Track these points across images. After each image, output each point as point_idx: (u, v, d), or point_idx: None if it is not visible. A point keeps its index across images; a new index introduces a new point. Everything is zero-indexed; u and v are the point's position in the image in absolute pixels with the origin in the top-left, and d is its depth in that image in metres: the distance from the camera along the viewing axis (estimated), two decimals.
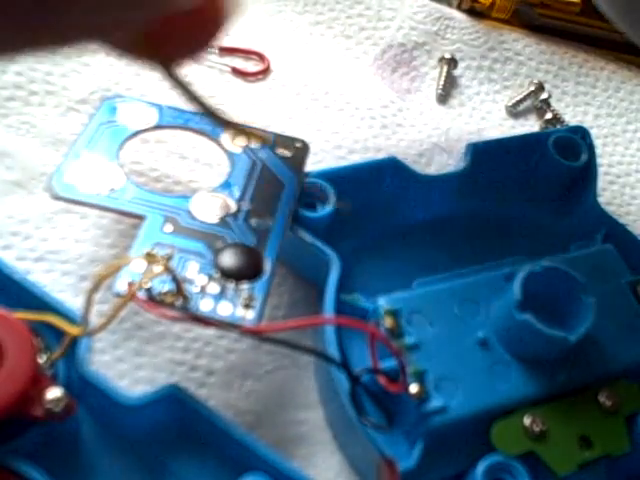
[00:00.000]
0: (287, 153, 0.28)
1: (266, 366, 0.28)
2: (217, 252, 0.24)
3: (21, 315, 0.23)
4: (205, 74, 0.36)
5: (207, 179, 0.31)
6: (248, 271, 0.23)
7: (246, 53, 0.38)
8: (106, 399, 0.24)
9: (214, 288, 0.23)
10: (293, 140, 0.28)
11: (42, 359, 0.23)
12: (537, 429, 0.24)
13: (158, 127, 0.28)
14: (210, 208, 0.25)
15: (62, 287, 0.28)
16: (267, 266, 0.24)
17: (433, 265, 0.30)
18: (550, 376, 0.25)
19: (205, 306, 0.22)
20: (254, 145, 0.28)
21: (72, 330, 0.22)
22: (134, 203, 0.25)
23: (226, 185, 0.26)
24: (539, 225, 0.33)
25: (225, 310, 0.22)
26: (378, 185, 0.30)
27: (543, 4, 0.42)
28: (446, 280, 0.27)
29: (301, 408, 0.28)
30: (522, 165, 0.33)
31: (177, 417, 0.24)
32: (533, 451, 0.24)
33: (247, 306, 0.23)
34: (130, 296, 0.21)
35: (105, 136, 0.27)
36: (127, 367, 0.27)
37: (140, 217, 0.25)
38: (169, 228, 0.24)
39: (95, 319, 0.26)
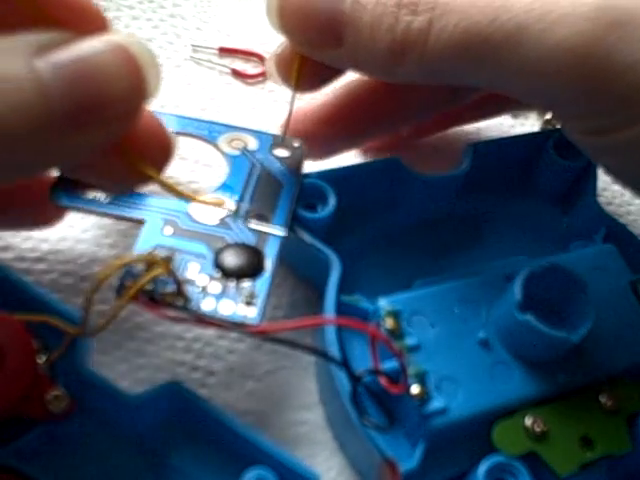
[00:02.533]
0: (285, 153, 0.28)
1: (266, 366, 0.28)
2: (218, 252, 0.24)
3: (20, 316, 0.22)
4: (205, 75, 0.36)
5: (207, 180, 0.31)
6: (249, 269, 0.23)
7: (246, 54, 0.38)
8: (107, 397, 0.24)
9: (215, 287, 0.23)
10: (291, 140, 0.28)
11: (42, 360, 0.23)
12: (538, 429, 0.24)
13: None
14: (209, 209, 0.25)
15: (62, 287, 0.28)
16: (268, 264, 0.24)
17: (433, 265, 0.30)
18: (551, 376, 0.25)
19: (207, 305, 0.22)
20: (251, 147, 0.28)
21: (71, 331, 0.22)
22: (133, 208, 0.25)
23: (225, 187, 0.26)
24: (539, 225, 0.33)
25: (227, 309, 0.22)
26: (378, 185, 0.30)
27: None
28: (446, 280, 0.27)
29: (302, 408, 0.28)
30: (522, 165, 0.33)
31: (179, 413, 0.24)
32: (534, 451, 0.24)
33: (249, 303, 0.22)
34: (130, 298, 0.21)
35: None
36: (128, 367, 0.27)
37: (140, 221, 0.24)
38: (169, 230, 0.24)
39: (96, 319, 0.26)
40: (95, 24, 0.21)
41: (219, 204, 0.25)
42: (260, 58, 0.38)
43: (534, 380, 0.24)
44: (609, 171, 0.24)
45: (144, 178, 0.23)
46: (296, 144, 0.28)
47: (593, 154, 0.24)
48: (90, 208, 0.24)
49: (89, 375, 0.24)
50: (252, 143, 0.28)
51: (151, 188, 0.25)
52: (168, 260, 0.22)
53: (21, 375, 0.22)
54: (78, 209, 0.25)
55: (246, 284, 0.23)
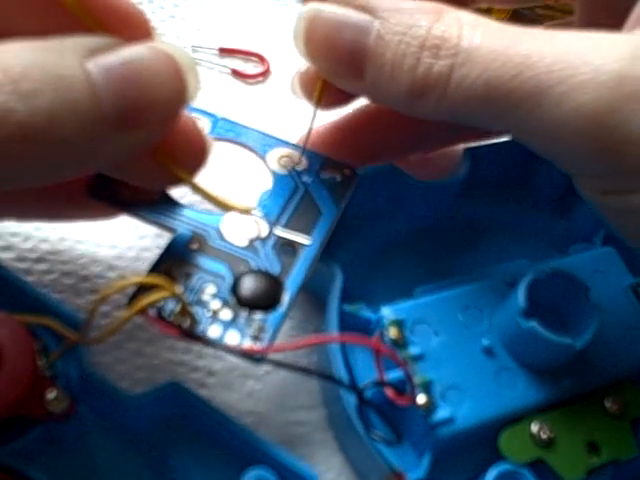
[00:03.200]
0: (337, 178, 0.26)
1: (266, 366, 0.28)
2: (237, 277, 0.23)
3: (20, 317, 0.22)
4: (205, 75, 0.36)
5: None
6: (264, 301, 0.22)
7: (246, 54, 0.38)
8: (107, 398, 0.24)
9: (226, 314, 0.22)
10: (342, 165, 0.26)
11: (41, 361, 0.23)
12: (545, 436, 0.24)
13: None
14: (241, 229, 0.24)
15: (62, 288, 0.28)
16: (285, 299, 0.22)
17: (434, 271, 0.30)
18: (556, 382, 0.25)
19: (213, 332, 0.21)
20: (300, 168, 0.26)
21: (72, 337, 0.22)
22: (166, 215, 0.24)
23: (262, 207, 0.25)
24: (539, 228, 0.33)
25: (232, 340, 0.21)
26: (377, 192, 0.30)
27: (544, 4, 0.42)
28: (448, 287, 0.26)
29: (302, 408, 0.28)
30: (520, 169, 0.33)
31: (179, 413, 0.24)
32: (541, 458, 0.24)
33: (256, 338, 0.21)
34: (135, 313, 0.21)
35: None
36: (127, 368, 0.27)
37: (171, 230, 0.24)
38: (195, 245, 0.23)
39: (97, 319, 0.25)
40: (140, 31, 0.21)
41: (247, 210, 0.24)
42: (260, 58, 0.38)
43: (539, 386, 0.24)
44: (621, 231, 0.24)
45: (176, 180, 0.23)
46: (347, 171, 0.26)
47: (607, 214, 0.24)
48: (123, 208, 0.24)
49: (89, 375, 0.24)
50: (301, 162, 0.26)
51: (188, 198, 0.25)
52: (186, 277, 0.22)
53: (21, 375, 0.21)
54: (113, 206, 0.24)
55: (258, 316, 0.22)
